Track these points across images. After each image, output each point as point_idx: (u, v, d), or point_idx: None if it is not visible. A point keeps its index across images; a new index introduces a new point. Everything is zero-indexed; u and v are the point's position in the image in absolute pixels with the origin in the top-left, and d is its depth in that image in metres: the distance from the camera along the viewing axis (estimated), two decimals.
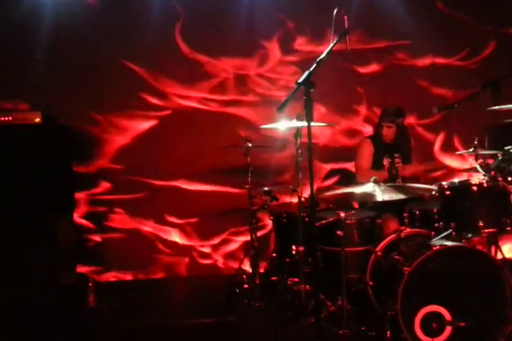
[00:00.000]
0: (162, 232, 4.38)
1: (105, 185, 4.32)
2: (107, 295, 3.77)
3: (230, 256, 4.40)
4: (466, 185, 2.89)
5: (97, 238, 4.29)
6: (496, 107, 3.23)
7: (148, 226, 4.36)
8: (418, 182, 3.83)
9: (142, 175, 4.31)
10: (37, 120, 3.72)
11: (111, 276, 4.27)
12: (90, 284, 3.58)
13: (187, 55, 4.33)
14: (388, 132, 3.70)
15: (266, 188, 3.67)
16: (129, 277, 4.31)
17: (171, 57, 4.33)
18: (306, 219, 3.25)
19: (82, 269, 4.10)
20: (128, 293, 4.01)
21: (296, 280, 3.29)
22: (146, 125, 4.34)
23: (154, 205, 4.34)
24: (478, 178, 2.89)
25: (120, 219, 4.34)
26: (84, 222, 4.27)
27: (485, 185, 2.85)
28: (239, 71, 4.40)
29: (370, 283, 3.05)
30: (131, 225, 4.34)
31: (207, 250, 4.40)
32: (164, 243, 4.37)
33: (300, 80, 2.66)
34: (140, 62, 4.28)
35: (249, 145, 3.72)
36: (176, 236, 4.38)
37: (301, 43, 4.40)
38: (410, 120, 4.25)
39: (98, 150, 4.30)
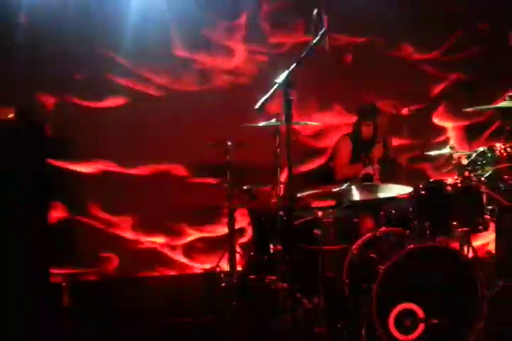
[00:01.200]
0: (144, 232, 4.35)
1: None
2: (82, 295, 3.74)
3: (206, 254, 4.39)
4: (440, 185, 2.94)
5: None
6: (470, 109, 3.30)
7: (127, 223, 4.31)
8: (399, 167, 3.89)
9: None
10: (10, 116, 3.65)
11: (86, 275, 4.21)
12: (64, 284, 3.54)
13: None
14: (367, 130, 3.75)
15: (245, 187, 3.67)
16: (103, 276, 4.24)
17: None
18: (285, 217, 3.27)
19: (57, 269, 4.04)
20: (103, 292, 3.96)
21: (274, 278, 3.31)
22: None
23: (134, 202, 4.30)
24: (453, 178, 2.94)
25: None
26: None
27: (459, 185, 2.91)
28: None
29: (347, 281, 3.09)
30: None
31: (181, 247, 4.38)
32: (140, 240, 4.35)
33: (279, 80, 2.67)
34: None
35: (229, 143, 3.72)
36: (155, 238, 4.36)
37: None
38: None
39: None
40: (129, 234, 4.30)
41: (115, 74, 4.23)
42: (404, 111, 3.92)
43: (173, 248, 4.38)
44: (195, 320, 3.28)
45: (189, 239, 4.39)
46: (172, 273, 4.33)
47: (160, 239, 4.36)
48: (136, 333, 3.22)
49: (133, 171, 4.30)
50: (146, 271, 4.31)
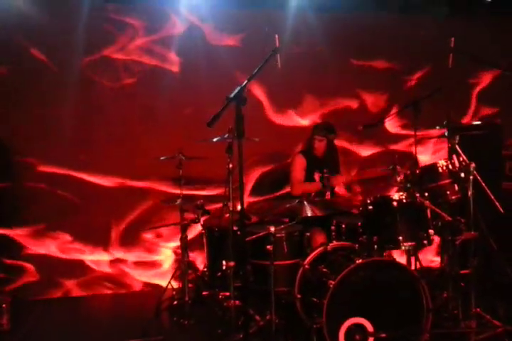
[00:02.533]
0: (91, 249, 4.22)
1: None
2: (23, 316, 3.55)
3: (157, 271, 4.31)
4: (387, 200, 3.04)
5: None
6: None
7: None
8: (349, 190, 4.01)
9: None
10: None
11: (28, 294, 4.02)
12: (4, 305, 3.35)
13: None
14: (320, 145, 3.84)
15: (198, 202, 3.65)
16: (47, 295, 4.08)
17: None
18: (238, 233, 3.26)
19: None
20: (46, 312, 3.79)
21: (228, 294, 3.28)
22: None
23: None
24: (398, 194, 3.05)
25: None
26: None
27: (404, 200, 3.02)
28: None
29: (298, 296, 3.11)
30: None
31: (132, 264, 4.28)
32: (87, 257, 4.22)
33: (231, 95, 2.69)
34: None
35: (183, 157, 3.69)
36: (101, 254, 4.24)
37: None
38: None
39: None
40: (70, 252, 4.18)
41: None
42: (359, 127, 4.04)
43: (124, 265, 4.27)
44: (147, 340, 3.17)
45: (140, 254, 4.30)
46: (121, 291, 4.21)
47: (107, 256, 4.24)
48: None
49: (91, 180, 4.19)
50: (93, 290, 4.18)
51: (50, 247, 4.14)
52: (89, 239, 4.20)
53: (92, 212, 4.18)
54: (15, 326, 3.42)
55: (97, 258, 4.24)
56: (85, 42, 4.12)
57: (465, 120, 4.91)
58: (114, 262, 4.26)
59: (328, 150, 3.88)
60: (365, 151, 4.72)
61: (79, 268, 4.18)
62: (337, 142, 4.06)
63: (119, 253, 4.26)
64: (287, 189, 4.21)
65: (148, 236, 4.32)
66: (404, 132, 4.70)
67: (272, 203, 3.93)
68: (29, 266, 4.09)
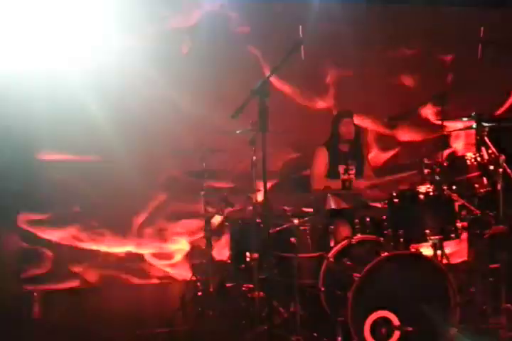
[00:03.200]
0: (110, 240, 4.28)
1: None
2: (54, 305, 3.64)
3: (182, 262, 4.35)
4: (413, 193, 2.99)
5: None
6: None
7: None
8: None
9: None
10: None
11: (58, 285, 4.12)
12: (35, 294, 3.44)
13: None
14: (348, 129, 3.76)
15: (222, 194, 3.66)
16: (76, 285, 4.16)
17: None
18: (261, 225, 3.26)
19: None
20: (77, 302, 3.87)
21: (251, 286, 3.29)
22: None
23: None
24: (425, 187, 2.99)
25: None
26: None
27: (431, 193, 2.96)
28: None
29: (322, 289, 3.10)
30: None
31: (158, 256, 4.33)
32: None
33: (255, 88, 2.68)
34: None
35: (206, 150, 3.70)
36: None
37: None
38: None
39: None
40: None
41: None
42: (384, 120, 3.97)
43: (148, 257, 4.33)
44: (171, 330, 3.22)
45: (165, 246, 4.35)
46: (148, 282, 4.26)
47: (132, 248, 4.29)
48: None
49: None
50: (121, 281, 4.25)
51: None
52: (111, 229, 4.26)
53: (114, 202, 4.23)
54: (45, 315, 3.51)
55: (119, 250, 4.29)
56: None
57: (499, 112, 4.78)
58: (135, 253, 4.31)
59: (355, 138, 3.80)
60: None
61: (99, 257, 4.24)
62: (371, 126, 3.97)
63: (141, 245, 4.31)
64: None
65: (169, 227, 4.35)
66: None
67: (296, 195, 3.91)
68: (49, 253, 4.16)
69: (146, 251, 4.34)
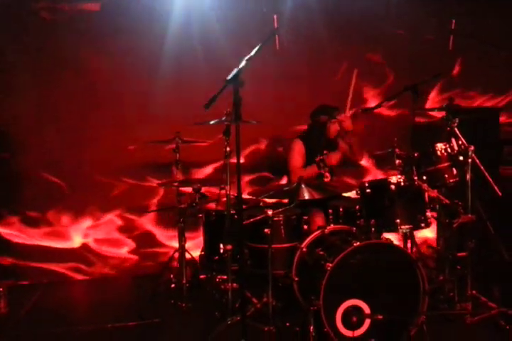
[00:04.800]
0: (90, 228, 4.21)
1: None
2: (21, 300, 3.55)
3: (156, 254, 4.31)
4: (384, 183, 3.03)
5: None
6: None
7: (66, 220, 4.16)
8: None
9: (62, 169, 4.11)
10: None
11: (27, 278, 4.03)
12: (1, 289, 3.35)
13: None
14: (335, 128, 3.76)
15: (195, 186, 3.63)
16: (45, 279, 4.08)
17: None
18: (235, 216, 3.25)
19: None
20: (45, 295, 3.79)
21: (225, 277, 3.29)
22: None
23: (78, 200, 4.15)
24: (396, 177, 3.03)
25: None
26: None
27: (402, 183, 3.01)
28: None
29: (296, 279, 3.11)
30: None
31: (130, 248, 4.28)
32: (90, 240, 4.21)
33: (229, 78, 2.65)
34: None
35: (180, 141, 3.65)
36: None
37: None
38: None
39: None
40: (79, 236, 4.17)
41: None
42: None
43: (120, 248, 4.27)
44: (143, 323, 3.19)
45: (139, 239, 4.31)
46: (118, 274, 4.21)
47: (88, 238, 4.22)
48: (80, 338, 3.10)
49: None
50: (87, 274, 4.18)
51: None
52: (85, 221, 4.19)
53: (87, 195, 4.16)
54: (12, 310, 3.43)
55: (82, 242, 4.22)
56: None
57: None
58: (113, 245, 4.24)
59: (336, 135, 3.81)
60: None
61: (68, 251, 4.16)
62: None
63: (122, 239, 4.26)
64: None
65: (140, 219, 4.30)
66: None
67: (270, 187, 3.91)
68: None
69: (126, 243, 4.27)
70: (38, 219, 4.10)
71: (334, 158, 3.77)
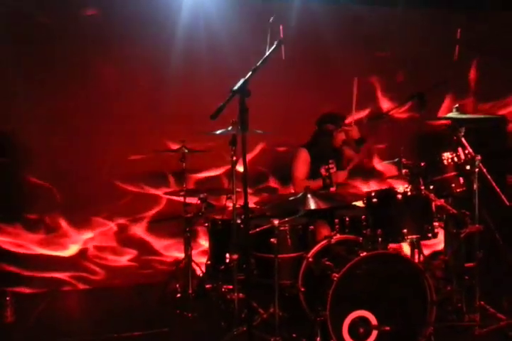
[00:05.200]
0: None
1: None
2: (27, 309, 3.56)
3: (161, 263, 4.32)
4: (391, 193, 3.02)
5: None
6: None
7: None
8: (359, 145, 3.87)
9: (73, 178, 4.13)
10: None
11: (32, 287, 4.03)
12: (8, 298, 3.36)
13: None
14: (341, 137, 3.76)
15: (201, 195, 3.64)
16: (51, 288, 4.08)
17: None
18: (242, 226, 3.25)
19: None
20: (51, 305, 3.80)
21: (231, 287, 3.28)
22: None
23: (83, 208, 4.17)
24: (403, 187, 3.02)
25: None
26: None
27: (409, 193, 2.99)
28: None
29: (302, 289, 3.10)
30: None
31: (132, 256, 4.28)
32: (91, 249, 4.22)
33: (235, 88, 2.66)
34: None
35: (186, 150, 3.67)
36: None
37: None
38: None
39: None
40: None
41: None
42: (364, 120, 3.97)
43: (126, 257, 4.28)
44: (149, 333, 3.18)
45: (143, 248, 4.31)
46: (125, 283, 4.21)
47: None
48: None
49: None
50: (97, 282, 4.19)
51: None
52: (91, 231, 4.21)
53: (94, 205, 4.18)
54: (20, 318, 3.44)
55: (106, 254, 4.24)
56: None
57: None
58: (115, 253, 4.26)
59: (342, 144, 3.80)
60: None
61: (72, 260, 4.17)
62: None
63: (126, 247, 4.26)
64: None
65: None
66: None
67: (276, 196, 3.90)
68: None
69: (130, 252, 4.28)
70: (38, 226, 4.09)
71: (341, 176, 3.77)
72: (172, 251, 4.31)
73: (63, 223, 4.14)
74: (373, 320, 2.74)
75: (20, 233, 4.06)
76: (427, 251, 3.84)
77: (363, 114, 4.43)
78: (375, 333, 2.74)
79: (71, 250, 4.17)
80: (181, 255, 3.78)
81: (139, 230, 4.28)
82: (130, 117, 4.21)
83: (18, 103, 4.01)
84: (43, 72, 4.05)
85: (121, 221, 4.25)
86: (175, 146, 3.72)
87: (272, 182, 4.50)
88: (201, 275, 3.73)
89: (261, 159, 4.44)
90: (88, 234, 4.19)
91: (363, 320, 2.73)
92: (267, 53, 2.75)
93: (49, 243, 4.12)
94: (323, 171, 3.75)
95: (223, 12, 4.30)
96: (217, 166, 4.30)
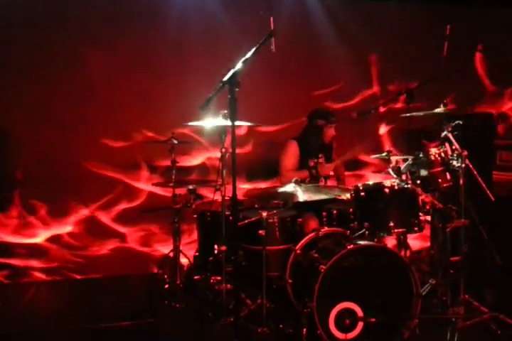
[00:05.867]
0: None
1: None
2: (15, 296, 3.53)
3: (149, 254, 4.30)
4: (379, 187, 3.05)
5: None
6: (408, 114, 3.44)
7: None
8: (339, 179, 4.00)
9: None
10: None
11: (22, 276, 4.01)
12: None
13: None
14: (331, 132, 3.79)
15: (190, 186, 3.63)
16: (42, 276, 4.06)
17: None
18: (230, 218, 3.26)
19: None
20: (40, 293, 3.78)
21: (219, 278, 3.29)
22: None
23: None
24: (390, 181, 3.05)
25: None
26: None
27: (396, 187, 3.03)
28: None
29: (290, 281, 3.12)
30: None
31: (123, 248, 4.27)
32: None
33: (225, 79, 2.66)
34: None
35: (175, 141, 3.66)
36: None
37: None
38: None
39: None
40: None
41: None
42: (353, 115, 3.98)
43: (115, 248, 4.26)
44: (137, 323, 3.19)
45: (131, 239, 4.30)
46: (113, 274, 4.20)
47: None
48: (72, 337, 3.09)
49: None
50: (84, 273, 4.17)
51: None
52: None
53: (82, 195, 4.15)
54: (7, 305, 3.42)
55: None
56: None
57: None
58: (108, 244, 4.23)
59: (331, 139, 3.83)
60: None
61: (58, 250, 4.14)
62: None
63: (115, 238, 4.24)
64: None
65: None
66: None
67: (265, 188, 3.92)
68: None
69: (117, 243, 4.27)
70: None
71: (328, 168, 3.80)
72: (159, 242, 4.31)
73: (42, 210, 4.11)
74: (359, 312, 2.78)
75: None
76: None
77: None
78: (360, 324, 2.77)
79: (49, 238, 4.14)
80: (169, 246, 3.78)
81: (120, 219, 4.24)
82: (118, 106, 4.17)
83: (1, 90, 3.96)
84: (28, 60, 3.99)
85: (107, 210, 4.22)
86: (163, 137, 3.71)
87: (261, 174, 4.52)
88: (189, 266, 3.74)
89: (250, 151, 4.44)
90: (71, 222, 4.16)
91: (349, 312, 2.76)
92: (257, 45, 2.75)
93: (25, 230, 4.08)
94: (311, 164, 3.79)
95: (214, 1, 4.28)
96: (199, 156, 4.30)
